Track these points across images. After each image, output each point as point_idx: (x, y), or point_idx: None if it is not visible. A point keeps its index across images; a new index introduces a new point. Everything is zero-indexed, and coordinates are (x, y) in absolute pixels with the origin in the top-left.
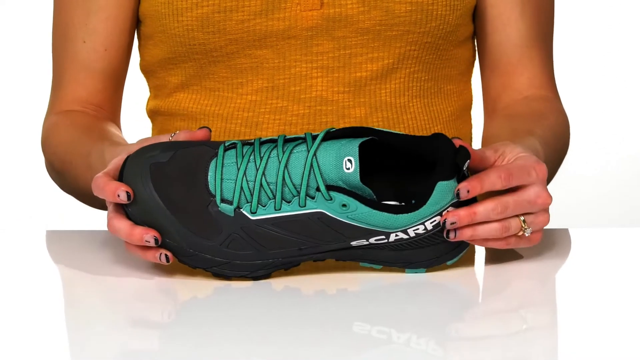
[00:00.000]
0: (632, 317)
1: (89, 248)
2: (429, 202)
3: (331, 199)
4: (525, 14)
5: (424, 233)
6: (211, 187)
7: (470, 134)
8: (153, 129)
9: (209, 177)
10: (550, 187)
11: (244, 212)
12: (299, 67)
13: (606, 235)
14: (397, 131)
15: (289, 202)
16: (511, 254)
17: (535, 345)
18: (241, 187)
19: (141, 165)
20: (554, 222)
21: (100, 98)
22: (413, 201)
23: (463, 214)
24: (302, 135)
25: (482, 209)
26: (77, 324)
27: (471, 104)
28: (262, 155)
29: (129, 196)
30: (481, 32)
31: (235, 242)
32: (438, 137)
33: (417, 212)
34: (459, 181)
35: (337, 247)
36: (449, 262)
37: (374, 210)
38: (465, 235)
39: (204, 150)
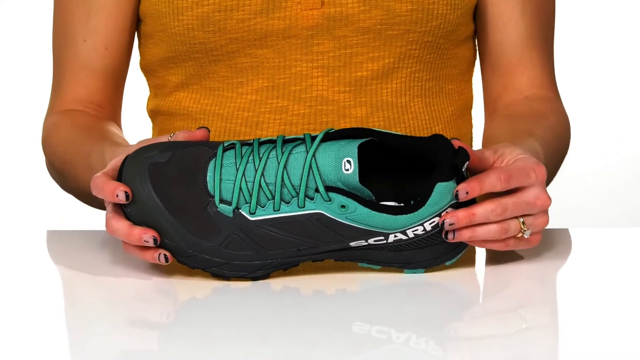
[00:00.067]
0: (632, 317)
1: (89, 248)
2: (428, 203)
3: (330, 200)
4: (526, 14)
5: (423, 234)
6: (210, 188)
7: (471, 133)
8: (153, 129)
9: (207, 177)
10: (550, 187)
11: (243, 212)
12: (300, 66)
13: (606, 235)
14: (396, 132)
15: (287, 203)
16: (511, 254)
17: (535, 345)
18: (240, 188)
19: (140, 165)
20: (554, 222)
21: (100, 97)
22: (412, 202)
23: (462, 215)
24: (301, 136)
25: (481, 210)
26: (77, 324)
27: (472, 103)
28: (261, 155)
29: (127, 196)
30: (482, 32)
31: (234, 242)
32: (437, 138)
33: (416, 213)
34: (458, 182)
35: (336, 247)
36: (447, 263)
37: (373, 211)
38: (464, 236)
39: (203, 151)
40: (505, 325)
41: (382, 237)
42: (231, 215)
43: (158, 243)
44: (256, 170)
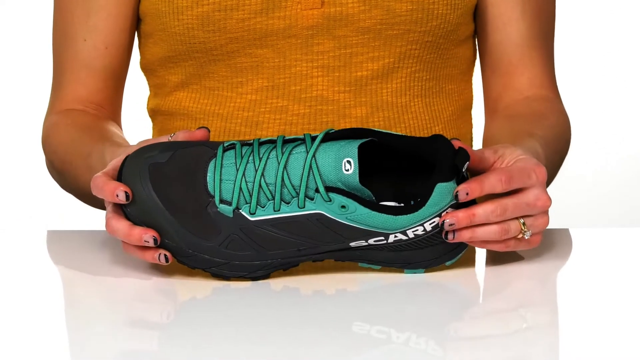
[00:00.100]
0: (632, 317)
1: (89, 248)
2: (428, 203)
3: (330, 200)
4: (526, 14)
5: (423, 234)
6: (210, 188)
7: (471, 133)
8: (153, 129)
9: (208, 177)
10: (550, 187)
11: (243, 212)
12: (300, 66)
13: (606, 235)
14: (396, 132)
15: (288, 203)
16: (511, 254)
17: (535, 345)
18: (240, 188)
19: (140, 165)
20: (554, 222)
21: (100, 97)
22: (412, 202)
23: (461, 215)
24: (302, 136)
25: (481, 211)
26: (77, 324)
27: (472, 103)
28: (261, 156)
29: (127, 196)
30: (482, 32)
31: (234, 242)
32: (437, 139)
33: (416, 213)
34: (458, 183)
35: (336, 248)
36: (447, 263)
37: (373, 212)
38: (464, 236)
39: (203, 151)
40: (505, 325)
41: (382, 238)
42: (231, 215)
43: (158, 243)
44: (256, 171)
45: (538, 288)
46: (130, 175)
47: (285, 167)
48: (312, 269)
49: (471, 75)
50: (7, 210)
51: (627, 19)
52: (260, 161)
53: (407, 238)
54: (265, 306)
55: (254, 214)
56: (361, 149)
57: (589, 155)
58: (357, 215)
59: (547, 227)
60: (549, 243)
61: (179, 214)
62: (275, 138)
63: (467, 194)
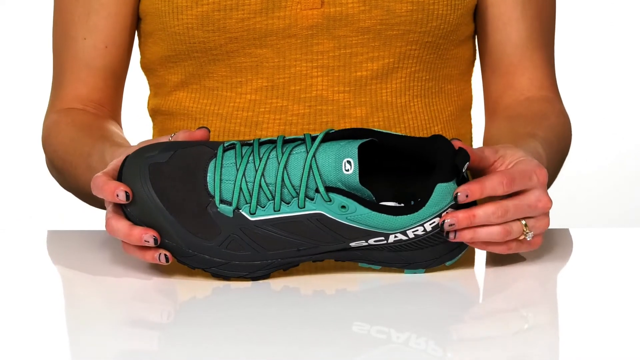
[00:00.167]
0: (633, 317)
1: (89, 248)
2: (428, 203)
3: (330, 201)
4: (526, 14)
5: (423, 234)
6: (210, 188)
7: (470, 133)
8: (154, 128)
9: (208, 177)
10: (550, 187)
11: (243, 213)
12: (299, 66)
13: (606, 235)
14: (396, 132)
15: (288, 203)
16: (511, 254)
17: (535, 345)
18: (240, 188)
19: (140, 165)
20: (554, 222)
21: (100, 96)
22: (412, 202)
23: (462, 216)
24: (302, 136)
25: (482, 212)
26: (77, 324)
27: (471, 103)
28: (261, 156)
29: (127, 196)
30: (482, 32)
31: (234, 242)
32: (437, 139)
33: (416, 213)
34: (458, 183)
35: (336, 248)
36: (447, 263)
37: (373, 212)
38: (465, 237)
39: (203, 151)
40: (505, 325)
41: (382, 238)
42: (231, 215)
43: (158, 243)
44: (256, 171)
45: (538, 288)
46: (130, 175)
47: (285, 167)
48: (312, 269)
49: (470, 75)
50: (7, 210)
51: (627, 19)
52: (260, 161)
53: (407, 238)
54: (266, 306)
55: (254, 214)
56: (361, 149)
57: (589, 155)
58: (357, 215)
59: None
60: (549, 243)
61: (179, 214)
62: (275, 138)
63: (467, 195)
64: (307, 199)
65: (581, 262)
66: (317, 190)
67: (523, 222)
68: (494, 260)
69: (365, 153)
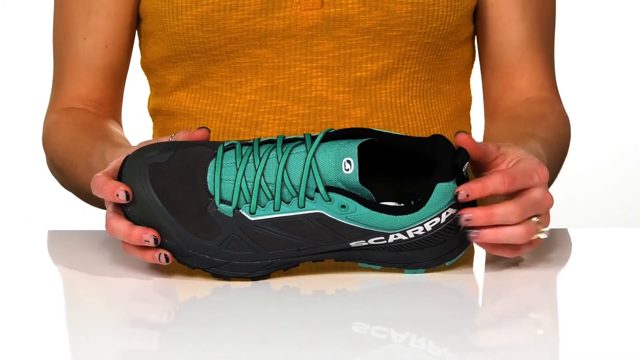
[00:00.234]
0: (633, 317)
1: (89, 248)
2: (428, 203)
3: (330, 200)
4: (526, 15)
5: (423, 234)
6: (210, 188)
7: (470, 134)
8: (154, 128)
9: (208, 177)
10: (550, 187)
11: (243, 212)
12: (299, 66)
13: (606, 235)
14: (396, 132)
15: (288, 203)
16: None
17: (535, 345)
18: (240, 188)
19: (140, 165)
20: (554, 223)
21: (101, 95)
22: (412, 202)
23: (480, 213)
24: (302, 136)
25: (501, 211)
26: (77, 324)
27: (470, 104)
28: (261, 155)
29: (127, 196)
30: (482, 33)
31: (234, 242)
32: (437, 139)
33: (416, 213)
34: (458, 182)
35: (336, 248)
36: (447, 263)
37: (373, 211)
38: (487, 237)
39: (203, 151)
40: (505, 325)
41: (382, 237)
42: (231, 215)
43: (158, 243)
44: (256, 170)
45: (538, 288)
46: (130, 175)
47: (285, 166)
48: (312, 269)
49: (469, 76)
50: (7, 210)
51: (627, 19)
52: (260, 161)
53: (407, 238)
54: (266, 306)
55: (254, 213)
56: (361, 149)
57: (589, 155)
58: (357, 215)
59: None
60: (549, 243)
61: (179, 214)
62: (275, 138)
63: (467, 195)
64: (307, 198)
65: (581, 262)
66: (317, 190)
67: (534, 219)
68: (493, 260)
69: (365, 153)
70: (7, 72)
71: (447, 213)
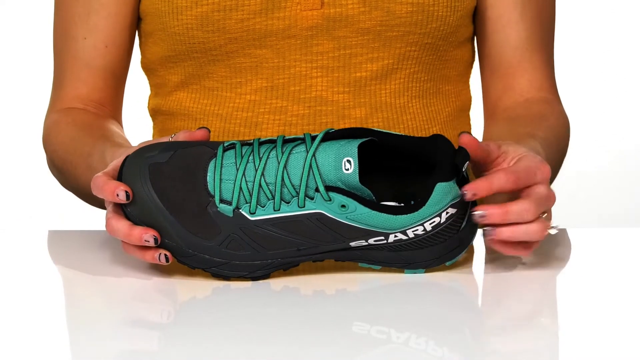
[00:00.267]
0: (633, 317)
1: (89, 248)
2: (428, 203)
3: (330, 200)
4: (526, 16)
5: (423, 234)
6: (210, 188)
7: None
8: (154, 128)
9: (208, 177)
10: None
11: (243, 212)
12: (299, 66)
13: (606, 235)
14: (396, 132)
15: (288, 203)
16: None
17: (535, 345)
18: (240, 188)
19: (140, 165)
20: (554, 222)
21: (101, 95)
22: (412, 202)
23: (495, 210)
24: (302, 136)
25: (516, 208)
26: (77, 324)
27: (469, 105)
28: (261, 155)
29: (127, 196)
30: (481, 34)
31: (234, 242)
32: (437, 138)
33: (416, 213)
34: (458, 182)
35: (336, 247)
36: (447, 263)
37: (373, 211)
38: (503, 234)
39: (203, 151)
40: (505, 325)
41: (382, 237)
42: (231, 215)
43: (159, 243)
44: (256, 170)
45: (538, 288)
46: (130, 175)
47: (285, 166)
48: (312, 269)
49: (469, 77)
50: (7, 210)
51: (627, 19)
52: (260, 161)
53: (407, 238)
54: (266, 306)
55: (254, 213)
56: (361, 149)
57: (588, 155)
58: (357, 214)
59: None
60: (549, 243)
61: (179, 214)
62: (275, 138)
63: (474, 194)
64: (307, 198)
65: (581, 262)
66: (317, 190)
67: (543, 216)
68: (493, 260)
69: (365, 153)
70: (7, 72)
71: (447, 213)
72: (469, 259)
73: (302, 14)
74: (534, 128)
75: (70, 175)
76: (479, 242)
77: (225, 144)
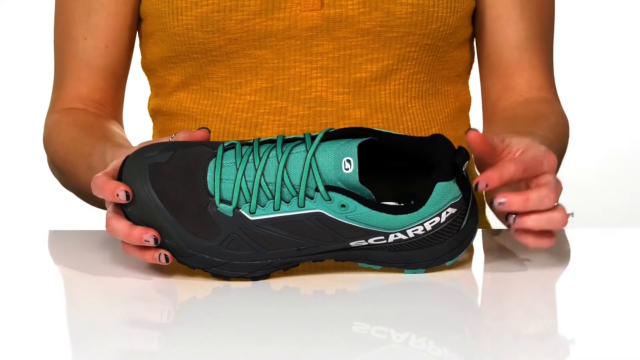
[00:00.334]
0: (633, 317)
1: (89, 248)
2: (428, 202)
3: (330, 200)
4: (525, 16)
5: (423, 234)
6: (210, 188)
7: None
8: (154, 128)
9: (208, 177)
10: None
11: (243, 212)
12: (299, 67)
13: (606, 235)
14: (396, 132)
15: (287, 203)
16: (510, 253)
17: (534, 345)
18: (240, 188)
19: (140, 165)
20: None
21: (101, 95)
22: (412, 202)
23: (514, 198)
24: (301, 136)
25: (536, 196)
26: (77, 324)
27: (469, 106)
28: (261, 155)
29: (127, 196)
30: (480, 34)
31: (234, 242)
32: (437, 138)
33: (416, 212)
34: (458, 182)
35: (336, 247)
36: (447, 263)
37: (373, 211)
38: (527, 223)
39: (203, 151)
40: (505, 325)
41: (382, 237)
42: (231, 214)
43: (159, 243)
44: (256, 170)
45: (538, 288)
46: (130, 175)
47: (285, 166)
48: (312, 269)
49: (468, 78)
50: (7, 210)
51: (627, 19)
52: (260, 161)
53: (407, 238)
54: (266, 306)
55: (254, 213)
56: (361, 148)
57: (588, 155)
58: (357, 214)
59: None
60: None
61: (179, 214)
62: (275, 138)
63: (486, 185)
64: (307, 198)
65: (581, 262)
66: (317, 189)
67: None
68: (493, 260)
69: (365, 152)
70: (8, 72)
71: (447, 212)
72: (469, 259)
73: (301, 15)
74: (533, 127)
75: (71, 176)
76: (478, 242)
77: (225, 144)
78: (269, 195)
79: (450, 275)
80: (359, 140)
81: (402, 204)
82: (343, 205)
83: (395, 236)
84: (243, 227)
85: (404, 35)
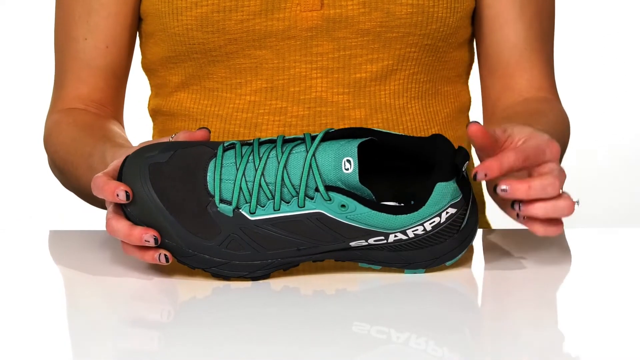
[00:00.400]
0: (633, 317)
1: (89, 248)
2: (428, 203)
3: (330, 200)
4: (524, 15)
5: (423, 234)
6: (210, 188)
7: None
8: (154, 129)
9: (208, 177)
10: None
11: (243, 212)
12: (299, 67)
13: (606, 235)
14: (396, 132)
15: (287, 203)
16: (510, 253)
17: (534, 345)
18: (240, 188)
19: (140, 165)
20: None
21: (102, 96)
22: (412, 202)
23: (518, 185)
24: (301, 136)
25: (538, 183)
26: (77, 324)
27: (469, 106)
28: (261, 155)
29: (127, 196)
30: (480, 34)
31: (234, 242)
32: (437, 138)
33: (416, 212)
34: (458, 182)
35: (336, 247)
36: (447, 263)
37: (373, 211)
38: (533, 211)
39: (203, 151)
40: (505, 325)
41: (382, 237)
42: (231, 215)
43: (159, 243)
44: (256, 170)
45: (537, 288)
46: (130, 175)
47: (285, 166)
48: (312, 269)
49: (467, 78)
50: (7, 210)
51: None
52: (260, 161)
53: (407, 238)
54: (266, 306)
55: (254, 213)
56: (361, 149)
57: (588, 154)
58: (357, 214)
59: None
60: (548, 243)
61: (179, 214)
62: (275, 138)
63: (485, 174)
64: (307, 198)
65: (581, 262)
66: (317, 190)
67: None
68: (493, 260)
69: (365, 153)
70: (8, 72)
71: (447, 212)
72: (469, 259)
73: (301, 15)
74: (533, 123)
75: (71, 176)
76: (478, 242)
77: (225, 144)
78: (269, 196)
79: (450, 275)
80: (359, 141)
81: (402, 204)
82: (343, 206)
83: (395, 236)
84: (243, 227)
85: (404, 36)
